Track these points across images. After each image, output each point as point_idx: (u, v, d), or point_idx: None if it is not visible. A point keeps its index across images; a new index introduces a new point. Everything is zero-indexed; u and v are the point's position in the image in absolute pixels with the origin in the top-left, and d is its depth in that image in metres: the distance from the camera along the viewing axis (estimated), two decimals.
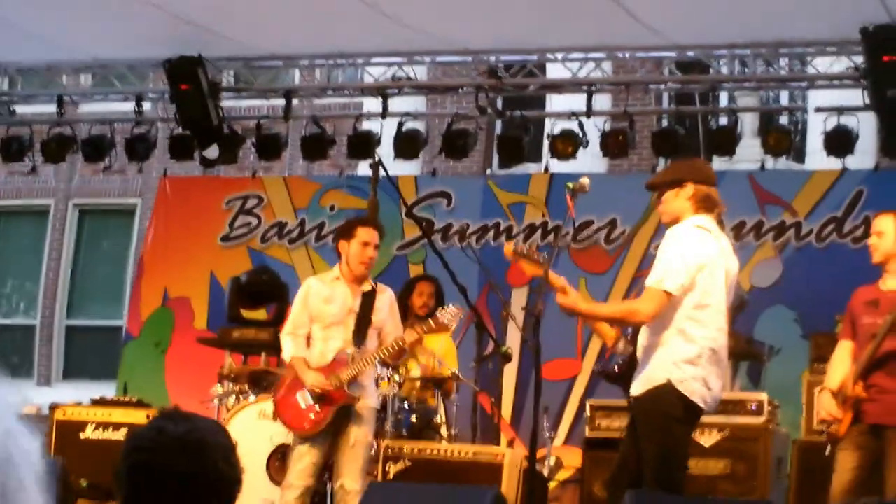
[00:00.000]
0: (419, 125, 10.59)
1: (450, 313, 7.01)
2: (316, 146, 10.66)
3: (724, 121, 10.24)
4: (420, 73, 11.15)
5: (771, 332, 9.30)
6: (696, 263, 5.54)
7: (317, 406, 6.86)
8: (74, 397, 9.85)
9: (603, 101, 11.15)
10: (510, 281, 9.80)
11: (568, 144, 9.98)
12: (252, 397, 8.06)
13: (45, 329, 16.97)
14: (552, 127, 10.38)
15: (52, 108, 11.34)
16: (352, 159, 11.30)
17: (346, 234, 7.06)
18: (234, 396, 8.36)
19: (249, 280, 9.74)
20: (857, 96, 9.28)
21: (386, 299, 7.11)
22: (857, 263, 7.15)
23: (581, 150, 10.07)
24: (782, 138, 9.80)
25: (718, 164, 10.12)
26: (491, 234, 10.39)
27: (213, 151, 10.59)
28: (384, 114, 10.40)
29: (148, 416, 8.21)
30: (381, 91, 10.39)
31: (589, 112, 9.94)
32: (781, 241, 9.71)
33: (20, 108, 11.64)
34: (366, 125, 10.63)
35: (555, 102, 12.05)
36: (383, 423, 7.68)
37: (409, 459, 7.59)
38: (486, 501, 6.25)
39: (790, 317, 9.45)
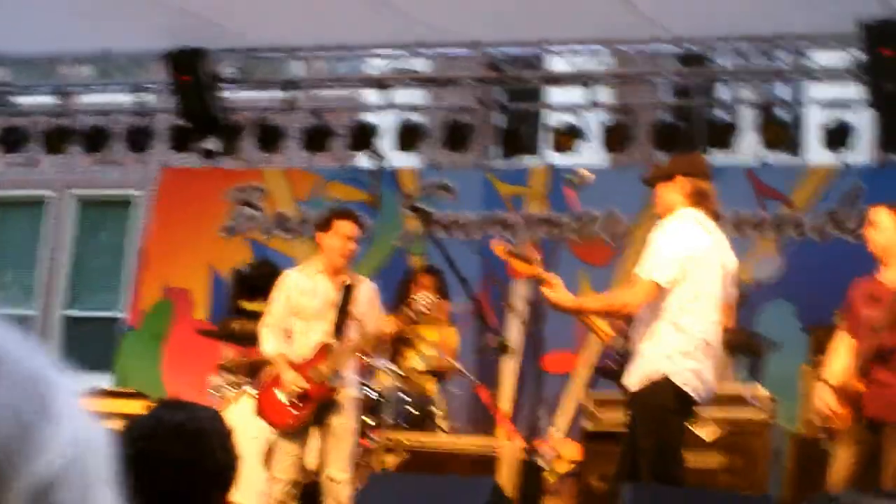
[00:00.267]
0: (420, 117, 10.59)
1: (421, 299, 6.93)
2: (317, 138, 10.66)
3: (722, 115, 10.22)
4: (421, 65, 11.15)
5: (771, 326, 9.29)
6: (686, 255, 5.55)
7: (298, 401, 6.84)
8: None
9: (604, 95, 11.13)
10: (511, 273, 9.78)
11: (569, 138, 9.99)
12: (251, 388, 8.06)
13: (43, 319, 16.97)
14: (549, 118, 10.36)
15: (51, 99, 11.34)
16: (353, 151, 11.30)
17: (323, 226, 7.03)
18: (232, 387, 8.36)
19: (250, 272, 9.74)
20: (855, 91, 9.27)
21: (366, 291, 7.08)
22: (857, 257, 7.14)
23: (582, 144, 10.07)
24: (780, 132, 9.79)
25: (717, 158, 10.10)
26: (492, 225, 10.39)
27: (213, 143, 10.59)
28: (385, 106, 10.39)
29: (148, 407, 8.20)
30: (382, 83, 10.39)
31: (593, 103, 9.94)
32: (781, 235, 9.71)
33: (20, 99, 11.63)
34: (367, 117, 10.63)
35: (553, 95, 12.04)
36: (382, 415, 7.68)
37: (408, 451, 7.61)
38: (486, 492, 6.26)
39: (790, 310, 9.45)
